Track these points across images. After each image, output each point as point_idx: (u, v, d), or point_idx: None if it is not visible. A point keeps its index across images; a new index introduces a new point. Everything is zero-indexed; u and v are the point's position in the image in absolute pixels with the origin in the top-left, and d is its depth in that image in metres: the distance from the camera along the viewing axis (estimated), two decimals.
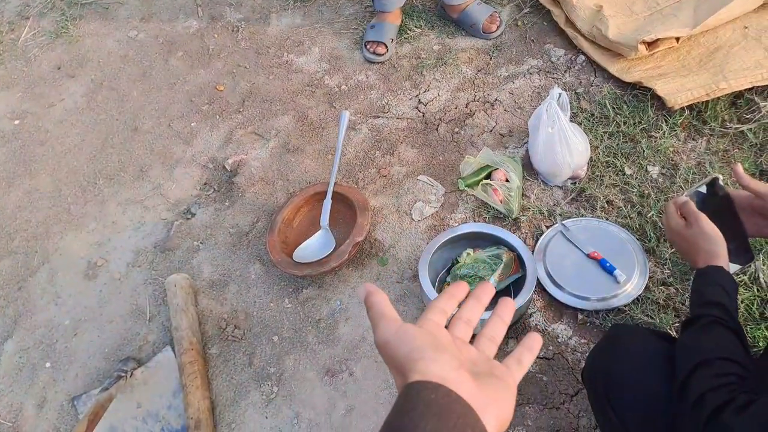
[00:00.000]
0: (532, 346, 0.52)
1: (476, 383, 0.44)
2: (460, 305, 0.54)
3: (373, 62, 2.09)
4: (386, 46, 2.06)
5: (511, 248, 1.37)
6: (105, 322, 1.65)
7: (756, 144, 1.62)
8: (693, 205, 0.98)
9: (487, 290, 0.55)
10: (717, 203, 1.01)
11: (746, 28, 1.77)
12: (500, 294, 1.39)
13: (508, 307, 0.54)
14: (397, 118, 1.93)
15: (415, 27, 2.15)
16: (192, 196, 1.88)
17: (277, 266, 1.52)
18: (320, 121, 1.98)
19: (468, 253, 1.37)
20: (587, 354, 1.08)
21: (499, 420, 0.43)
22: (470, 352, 0.49)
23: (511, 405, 0.45)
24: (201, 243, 1.76)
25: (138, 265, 1.76)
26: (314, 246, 1.52)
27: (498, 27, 2.06)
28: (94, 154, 2.04)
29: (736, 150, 1.63)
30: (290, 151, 1.91)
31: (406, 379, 0.44)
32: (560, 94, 1.56)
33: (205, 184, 1.91)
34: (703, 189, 1.01)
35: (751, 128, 1.64)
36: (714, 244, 0.93)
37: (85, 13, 2.54)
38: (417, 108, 1.94)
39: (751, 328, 1.32)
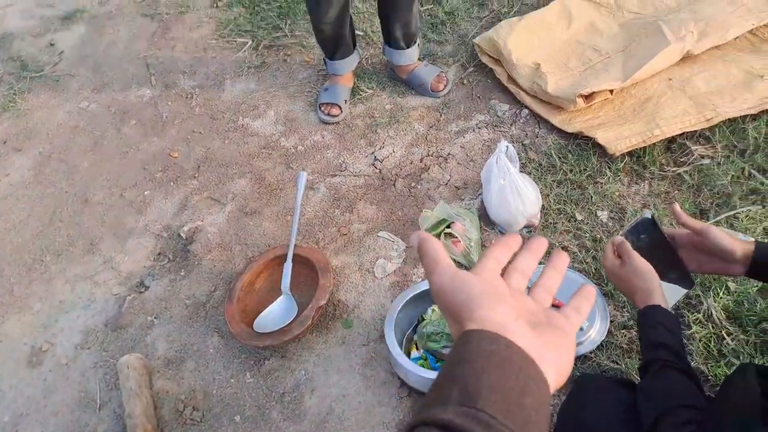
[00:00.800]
0: (588, 296, 0.50)
1: (535, 333, 0.42)
2: (514, 256, 0.51)
3: (328, 123, 2.08)
4: (340, 108, 2.06)
5: None
6: (50, 414, 1.50)
7: (693, 185, 1.67)
8: (627, 244, 0.99)
9: (542, 243, 0.52)
10: (652, 238, 1.03)
11: (670, 79, 1.86)
12: None
13: (563, 259, 0.51)
14: (355, 176, 1.91)
15: (367, 88, 2.17)
16: (145, 268, 1.79)
17: (236, 338, 1.43)
18: (277, 182, 1.94)
19: (434, 309, 1.33)
20: (558, 407, 1.04)
21: (559, 370, 0.42)
22: (527, 302, 0.46)
23: (571, 355, 0.44)
24: (155, 318, 1.65)
25: (87, 346, 1.63)
26: (276, 313, 1.45)
27: (445, 86, 2.10)
28: (41, 229, 1.93)
29: (676, 191, 1.67)
30: (248, 215, 1.86)
31: (463, 327, 0.42)
32: (507, 147, 1.58)
33: (159, 254, 1.82)
34: (638, 227, 1.03)
35: (687, 170, 1.70)
36: (646, 281, 0.94)
37: (34, 85, 2.46)
38: (373, 165, 1.93)
39: (711, 366, 1.31)
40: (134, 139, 2.19)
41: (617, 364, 1.30)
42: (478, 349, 0.39)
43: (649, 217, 1.01)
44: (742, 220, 1.54)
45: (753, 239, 1.12)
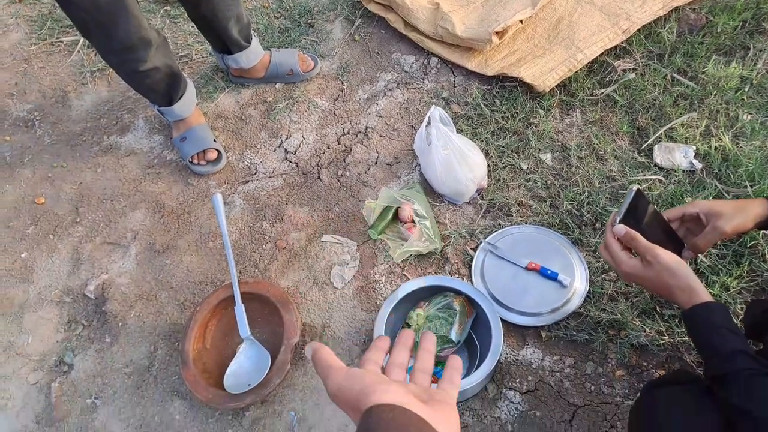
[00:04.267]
0: (454, 365, 0.66)
1: (426, 407, 0.54)
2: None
3: (211, 173, 1.87)
4: (217, 150, 1.86)
5: (457, 292, 1.40)
6: None
7: (624, 104, 1.81)
8: (641, 239, 0.99)
9: (409, 336, 0.68)
10: (645, 212, 1.06)
11: None
12: (466, 342, 1.43)
13: (430, 340, 0.68)
14: (270, 177, 1.86)
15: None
16: (58, 343, 1.66)
17: (209, 406, 1.40)
18: (180, 205, 1.85)
19: (418, 314, 1.38)
20: (628, 430, 1.07)
21: None
22: (410, 387, 0.59)
23: (456, 420, 0.57)
24: (95, 398, 1.56)
25: None
26: (245, 365, 1.42)
27: (313, 62, 2.03)
28: None
29: (610, 113, 1.81)
30: (160, 253, 1.76)
31: (363, 411, 0.53)
32: (439, 113, 1.62)
33: (69, 322, 1.70)
34: (631, 207, 1.04)
35: (614, 89, 1.83)
36: (683, 277, 0.95)
37: None
38: (286, 159, 1.89)
39: None
40: None
41: (612, 313, 1.43)
42: (379, 419, 0.51)
43: (635, 190, 1.03)
44: (678, 130, 1.71)
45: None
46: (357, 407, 0.54)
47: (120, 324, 1.65)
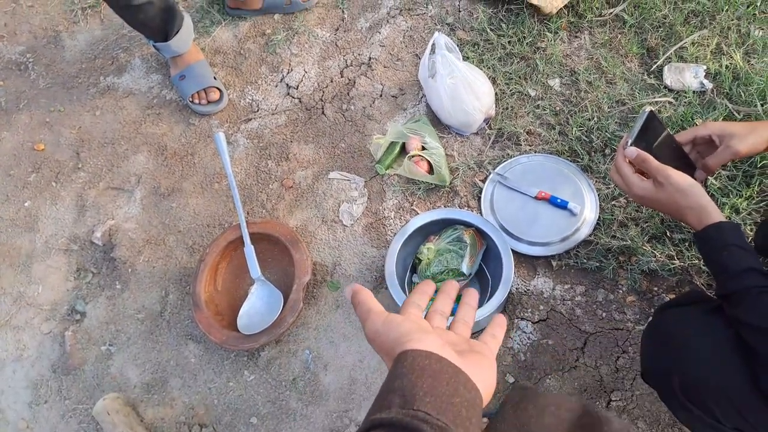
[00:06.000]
0: (500, 323, 0.65)
1: (460, 357, 0.54)
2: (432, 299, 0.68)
3: (212, 113, 1.82)
4: (218, 89, 1.80)
5: (467, 224, 1.38)
6: None
7: (634, 24, 1.73)
8: (651, 159, 0.97)
9: (453, 286, 0.69)
10: (657, 134, 1.03)
11: None
12: (477, 274, 1.42)
13: (472, 295, 0.68)
14: (273, 114, 1.81)
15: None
16: (69, 292, 1.67)
17: (224, 347, 1.41)
18: (184, 146, 1.81)
19: (428, 248, 1.37)
20: (641, 352, 1.05)
21: (485, 386, 0.54)
22: (450, 335, 0.61)
23: (493, 373, 0.57)
24: (110, 345, 1.58)
25: (44, 400, 1.55)
26: (257, 305, 1.42)
27: None
28: None
29: (619, 35, 1.73)
30: (166, 196, 1.74)
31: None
32: (444, 39, 1.55)
33: (78, 270, 1.70)
34: (644, 129, 1.01)
35: (624, 9, 1.75)
36: (695, 197, 0.93)
37: None
38: (289, 94, 1.83)
39: None
40: None
41: (623, 240, 1.42)
42: (413, 365, 0.51)
43: (648, 112, 1.00)
44: (689, 49, 1.64)
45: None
46: (392, 353, 0.54)
47: (129, 270, 1.65)
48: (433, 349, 0.52)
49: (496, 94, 1.66)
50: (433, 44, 1.55)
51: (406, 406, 0.47)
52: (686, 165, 1.09)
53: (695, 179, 1.02)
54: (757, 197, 1.42)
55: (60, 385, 1.56)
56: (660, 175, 0.96)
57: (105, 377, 1.54)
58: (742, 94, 1.54)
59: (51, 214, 1.78)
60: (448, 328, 0.64)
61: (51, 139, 1.90)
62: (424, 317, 0.63)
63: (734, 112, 1.53)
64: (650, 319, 1.32)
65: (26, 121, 1.95)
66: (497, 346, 0.62)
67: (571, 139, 1.58)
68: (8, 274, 1.72)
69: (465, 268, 1.33)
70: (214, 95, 1.79)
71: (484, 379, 0.54)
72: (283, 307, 1.39)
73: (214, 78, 1.82)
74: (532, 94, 1.68)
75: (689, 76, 1.60)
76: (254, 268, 1.44)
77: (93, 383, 1.54)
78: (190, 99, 1.80)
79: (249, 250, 1.44)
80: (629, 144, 1.00)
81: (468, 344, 0.59)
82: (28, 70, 2.05)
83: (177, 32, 1.71)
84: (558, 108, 1.65)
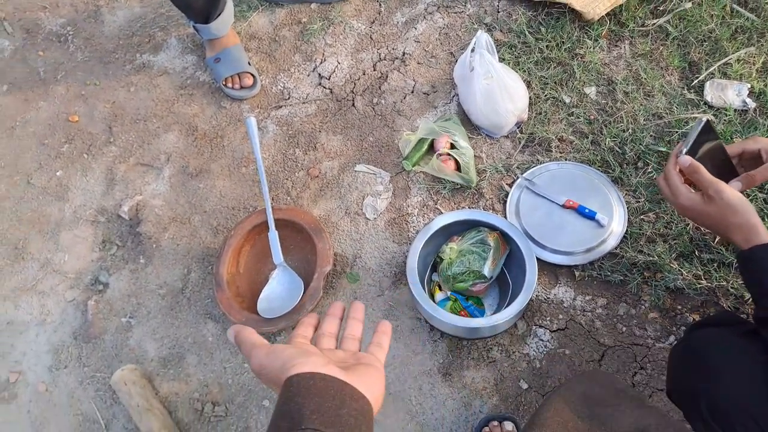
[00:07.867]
0: (385, 330, 0.68)
1: (345, 372, 0.56)
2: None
3: (245, 98, 1.82)
4: (251, 75, 1.80)
5: (492, 227, 1.37)
6: None
7: (677, 37, 1.69)
8: (706, 172, 0.94)
9: (338, 307, 0.71)
10: (711, 144, 1.01)
11: None
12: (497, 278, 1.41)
13: (358, 309, 0.71)
14: (303, 103, 1.81)
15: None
16: (93, 262, 1.69)
17: None
18: (214, 128, 1.82)
19: (451, 248, 1.35)
20: (668, 370, 1.03)
21: (373, 394, 0.56)
22: (336, 354, 0.63)
23: (381, 383, 0.59)
24: (130, 317, 1.60)
25: (64, 365, 1.57)
26: (278, 290, 1.42)
27: None
28: None
29: (662, 46, 1.69)
30: (194, 176, 1.75)
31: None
32: (486, 38, 1.53)
33: (104, 242, 1.72)
34: (699, 138, 0.99)
35: (668, 20, 1.71)
36: (745, 215, 0.90)
37: None
38: (320, 84, 1.83)
39: None
40: (14, 109, 1.96)
41: (649, 255, 1.39)
42: (299, 388, 0.52)
43: (705, 121, 0.97)
44: (734, 66, 1.60)
45: None
46: (279, 382, 0.55)
47: (154, 246, 1.66)
48: (316, 369, 0.54)
49: (530, 98, 1.63)
50: (476, 42, 1.53)
51: (294, 428, 0.49)
52: (730, 174, 1.06)
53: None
54: None
55: (80, 352, 1.58)
56: (712, 188, 0.94)
57: (123, 348, 1.56)
58: None
59: (81, 185, 1.80)
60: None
61: (85, 112, 1.92)
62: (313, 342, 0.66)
63: None
64: (681, 337, 1.29)
65: (62, 93, 1.97)
66: (384, 355, 0.65)
67: (604, 150, 1.55)
68: (37, 240, 1.74)
69: (487, 270, 1.31)
70: (248, 81, 1.79)
71: (372, 387, 0.57)
72: (303, 294, 1.39)
73: (249, 63, 1.82)
74: (567, 100, 1.65)
75: (732, 94, 1.56)
76: (277, 254, 1.44)
77: (112, 353, 1.56)
78: (224, 82, 1.80)
79: (273, 235, 1.44)
80: (683, 152, 0.98)
81: (355, 358, 0.62)
82: (68, 43, 2.07)
83: (219, 15, 1.70)
84: (592, 117, 1.62)
